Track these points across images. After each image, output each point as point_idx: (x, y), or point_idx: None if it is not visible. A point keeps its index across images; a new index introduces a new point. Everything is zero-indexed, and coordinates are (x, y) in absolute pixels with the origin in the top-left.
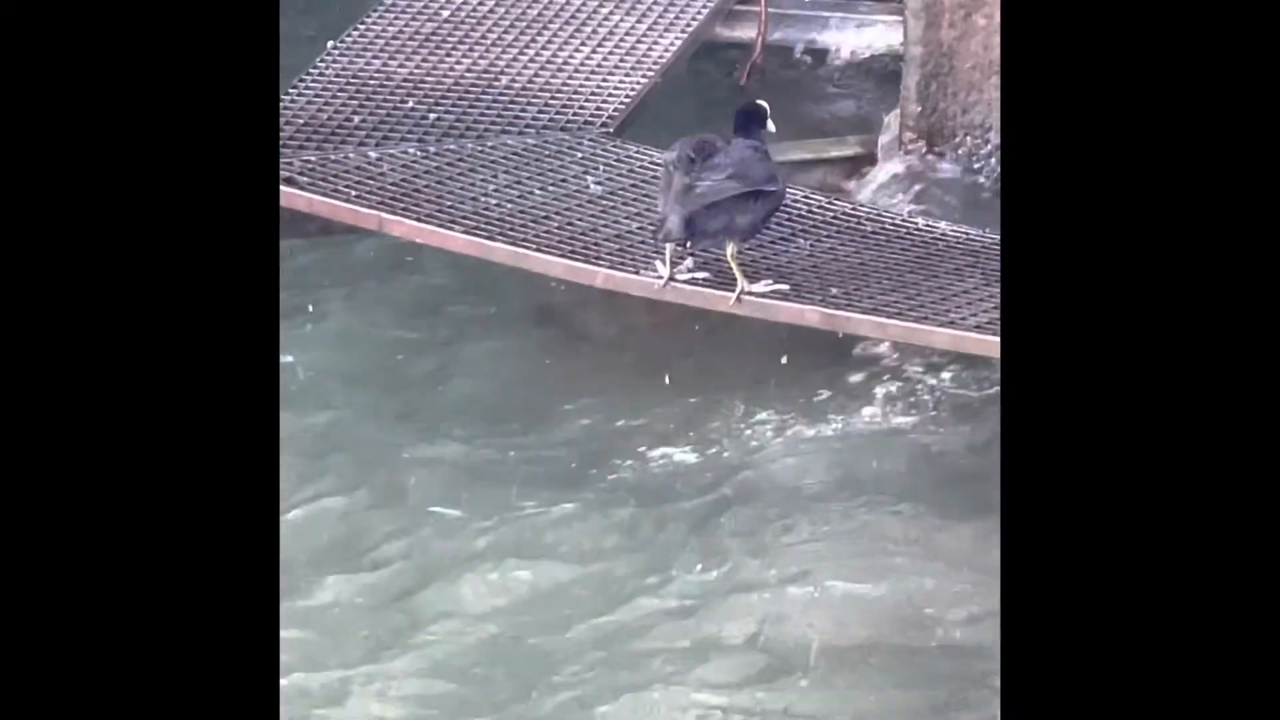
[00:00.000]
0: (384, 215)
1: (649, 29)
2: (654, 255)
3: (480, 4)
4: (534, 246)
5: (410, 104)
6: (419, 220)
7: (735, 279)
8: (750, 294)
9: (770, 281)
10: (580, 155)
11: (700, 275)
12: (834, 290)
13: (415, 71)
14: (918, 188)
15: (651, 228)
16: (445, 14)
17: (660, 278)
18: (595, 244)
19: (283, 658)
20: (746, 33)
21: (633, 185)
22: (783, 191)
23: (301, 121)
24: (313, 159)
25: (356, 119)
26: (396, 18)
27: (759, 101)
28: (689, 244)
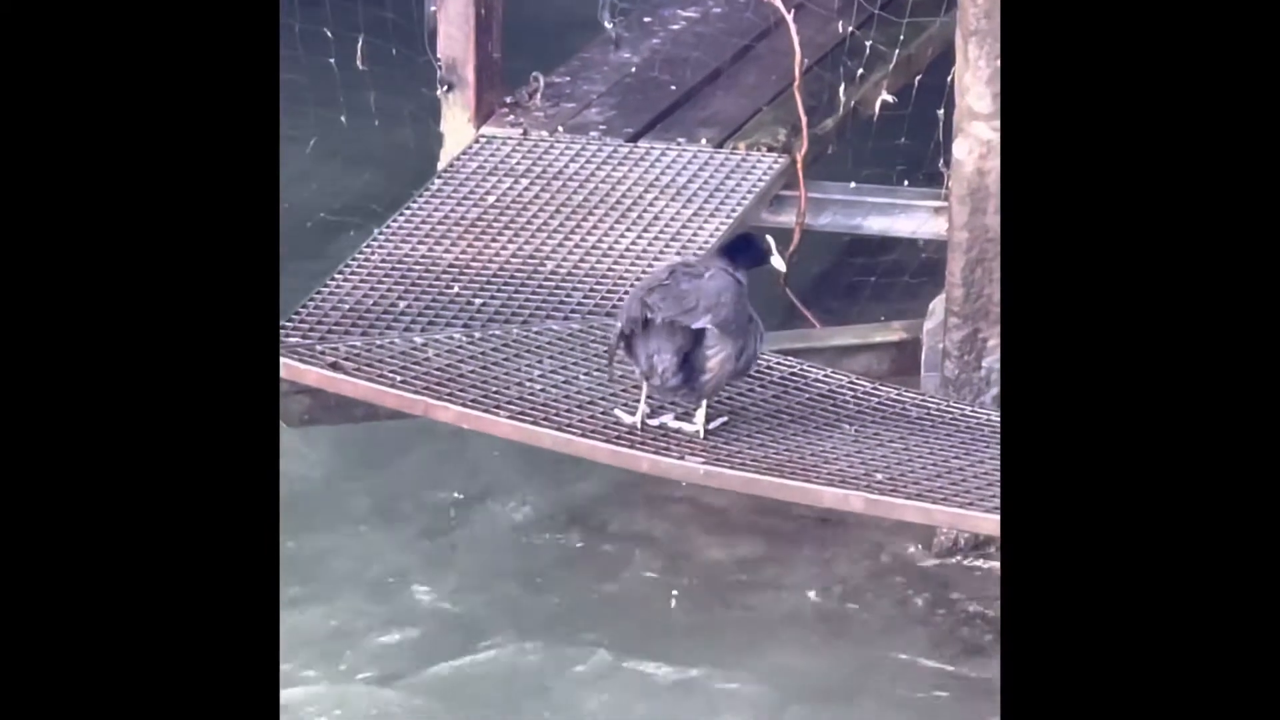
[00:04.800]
0: (429, 401)
1: (694, 215)
2: (693, 445)
3: (525, 190)
4: (579, 432)
5: (456, 289)
6: (464, 406)
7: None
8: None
9: (724, 418)
10: None
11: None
12: (879, 476)
13: (460, 257)
14: None
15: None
16: (490, 200)
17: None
18: (641, 429)
19: None
20: (791, 218)
21: None
22: (760, 333)
23: (347, 307)
24: (358, 344)
25: (402, 304)
26: (442, 203)
27: (767, 237)
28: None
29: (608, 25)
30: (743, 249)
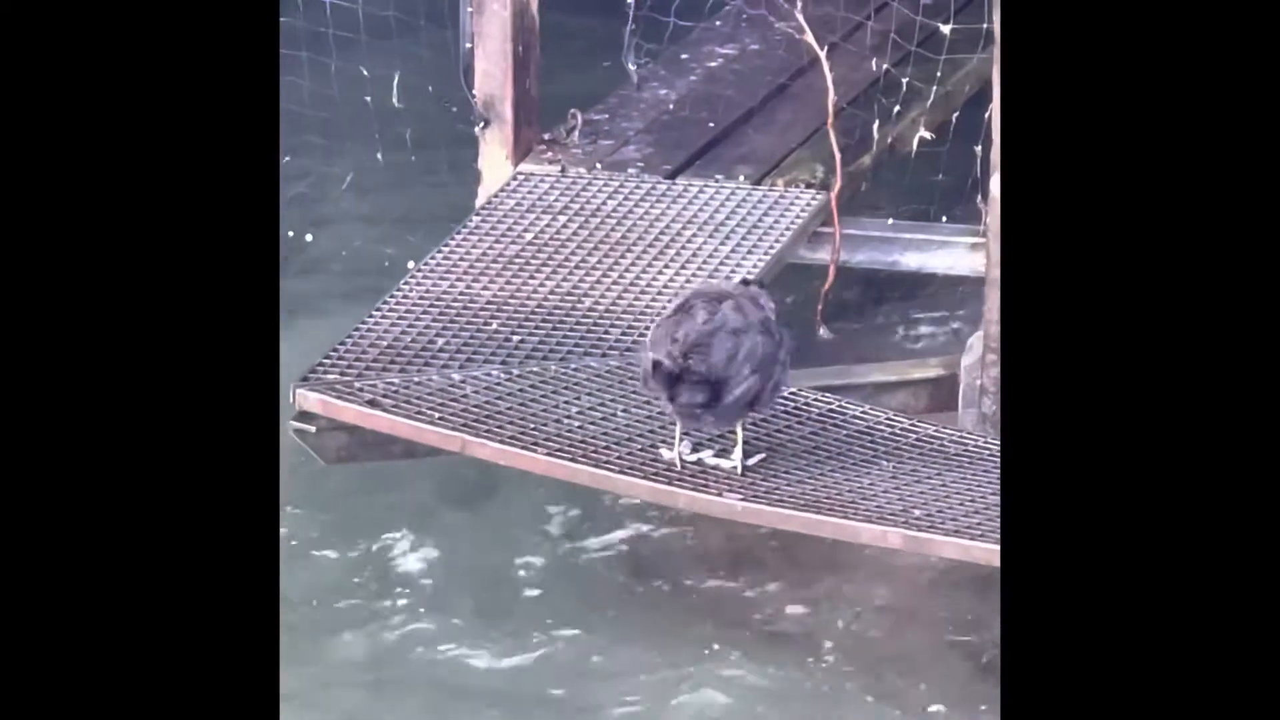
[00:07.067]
0: (467, 437)
1: (732, 251)
2: (731, 481)
3: (564, 227)
4: (617, 469)
5: (494, 326)
6: (502, 443)
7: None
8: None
9: (762, 454)
10: None
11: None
12: (917, 512)
13: (499, 294)
14: None
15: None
16: (529, 237)
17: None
18: (679, 465)
19: None
20: (827, 255)
21: None
22: (785, 342)
23: (385, 344)
24: (396, 381)
25: (440, 341)
26: (480, 240)
27: None
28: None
29: (631, 68)
30: None
